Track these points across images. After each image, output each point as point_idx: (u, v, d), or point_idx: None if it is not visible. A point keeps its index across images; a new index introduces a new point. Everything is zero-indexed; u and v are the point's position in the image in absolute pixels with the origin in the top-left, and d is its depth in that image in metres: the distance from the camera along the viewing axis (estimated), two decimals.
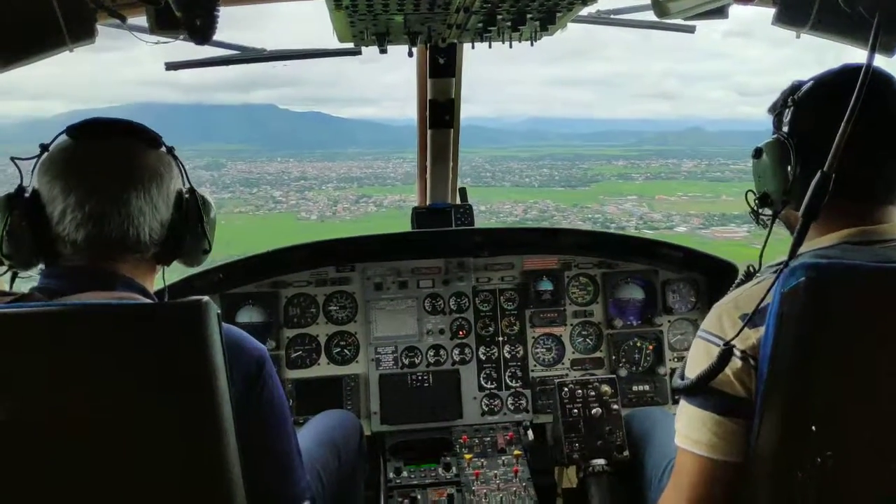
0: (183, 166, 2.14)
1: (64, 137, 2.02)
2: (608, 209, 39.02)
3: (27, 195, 1.97)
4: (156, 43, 3.05)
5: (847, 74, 1.95)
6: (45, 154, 2.00)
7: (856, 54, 2.96)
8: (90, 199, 1.92)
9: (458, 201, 4.52)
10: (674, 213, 37.63)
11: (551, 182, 48.33)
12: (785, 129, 2.03)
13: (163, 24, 2.81)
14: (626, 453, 3.35)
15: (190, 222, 2.09)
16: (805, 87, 2.03)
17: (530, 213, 35.59)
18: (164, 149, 2.11)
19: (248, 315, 4.04)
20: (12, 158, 2.02)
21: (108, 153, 2.01)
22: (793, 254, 1.73)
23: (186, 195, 2.10)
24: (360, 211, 37.60)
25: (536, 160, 54.79)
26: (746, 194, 2.19)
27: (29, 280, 2.06)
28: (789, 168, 1.97)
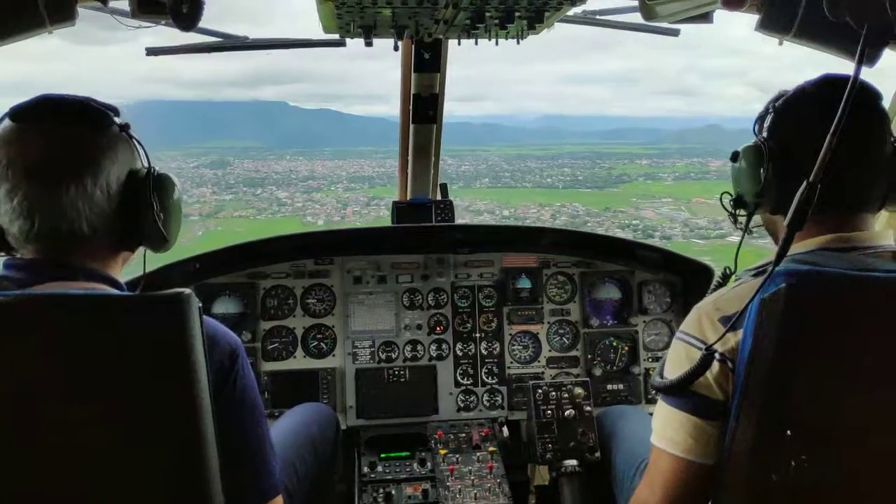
0: (140, 145, 1.98)
1: (7, 120, 1.89)
2: (645, 214, 36.74)
3: None
4: (137, 27, 3.00)
5: (827, 85, 2.00)
6: None
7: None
8: (17, 192, 1.81)
9: (438, 197, 4.51)
10: (720, 218, 34.80)
11: (576, 183, 46.35)
12: (763, 134, 2.09)
13: (145, 9, 2.77)
14: (597, 455, 3.39)
15: (140, 207, 1.94)
16: (786, 96, 2.08)
17: (559, 217, 33.38)
18: (114, 128, 1.94)
19: (224, 306, 4.01)
20: None
21: (41, 141, 1.86)
22: (777, 262, 1.75)
23: (141, 176, 1.95)
24: (371, 215, 35.17)
25: (555, 159, 52.89)
26: (721, 196, 2.24)
27: None
28: (762, 171, 2.03)
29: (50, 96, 1.93)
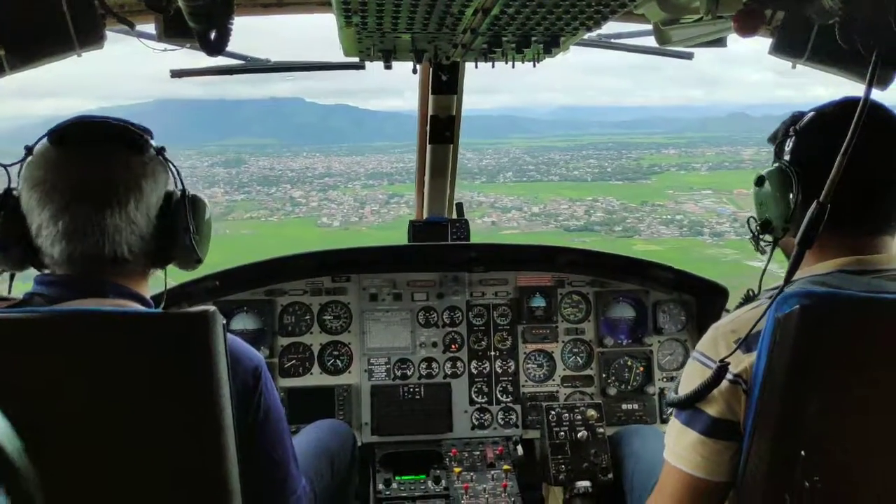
0: (175, 168, 2.04)
1: (45, 141, 1.94)
2: (686, 207, 33.83)
3: (13, 198, 1.92)
4: (163, 50, 3.09)
5: (847, 107, 2.01)
6: (29, 157, 1.92)
7: None
8: (63, 215, 1.86)
9: (454, 216, 4.56)
10: None
11: (605, 175, 43.55)
12: (787, 157, 2.08)
13: (171, 33, 2.84)
14: (610, 476, 3.41)
15: (177, 230, 2.00)
16: (806, 118, 2.09)
17: (594, 214, 31.08)
18: (152, 151, 2.00)
19: (242, 322, 4.05)
20: None
21: (85, 164, 1.91)
22: (787, 280, 1.78)
23: (177, 198, 2.01)
24: (390, 214, 32.77)
25: (578, 150, 50.35)
26: (748, 221, 2.24)
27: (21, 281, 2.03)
28: (791, 196, 2.00)
29: (86, 118, 1.98)
